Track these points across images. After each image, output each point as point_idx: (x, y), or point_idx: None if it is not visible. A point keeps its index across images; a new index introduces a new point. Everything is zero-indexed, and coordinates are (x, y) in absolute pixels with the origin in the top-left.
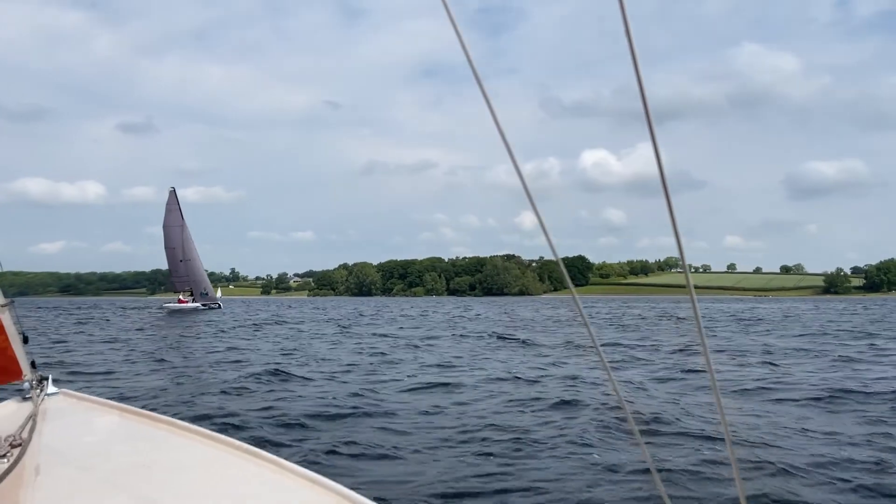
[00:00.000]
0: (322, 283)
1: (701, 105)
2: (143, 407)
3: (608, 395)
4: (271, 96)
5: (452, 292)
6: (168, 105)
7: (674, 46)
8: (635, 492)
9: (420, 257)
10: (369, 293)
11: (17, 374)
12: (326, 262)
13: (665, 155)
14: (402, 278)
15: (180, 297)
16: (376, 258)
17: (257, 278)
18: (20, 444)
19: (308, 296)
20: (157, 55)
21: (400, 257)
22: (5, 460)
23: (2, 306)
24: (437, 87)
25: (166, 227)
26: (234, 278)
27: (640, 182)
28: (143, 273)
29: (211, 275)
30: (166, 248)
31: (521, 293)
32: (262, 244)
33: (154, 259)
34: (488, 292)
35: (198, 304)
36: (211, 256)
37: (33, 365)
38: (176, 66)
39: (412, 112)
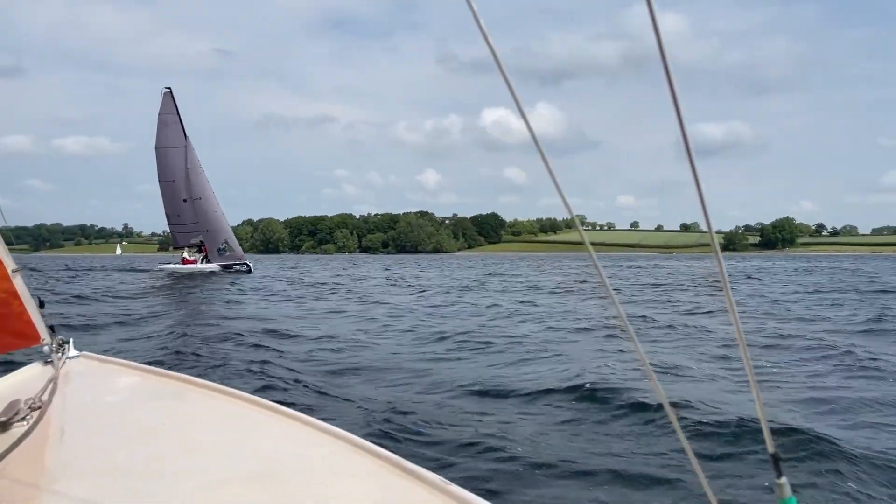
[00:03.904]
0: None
1: (596, 64)
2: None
3: None
4: (164, 42)
5: (364, 250)
6: (45, 48)
7: (572, 4)
8: None
9: (323, 214)
10: (276, 250)
11: (36, 338)
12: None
13: (562, 114)
14: (311, 235)
15: (185, 255)
16: (278, 214)
17: (153, 234)
18: (40, 407)
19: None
20: None
21: (302, 213)
22: (25, 423)
23: (13, 272)
24: (341, 40)
25: (160, 150)
26: (127, 234)
27: (541, 142)
28: (24, 228)
29: (100, 231)
30: (161, 181)
31: (436, 250)
32: (155, 198)
33: (37, 213)
34: (402, 250)
35: (214, 266)
36: (98, 211)
37: (52, 329)
38: (58, 7)
39: (312, 64)
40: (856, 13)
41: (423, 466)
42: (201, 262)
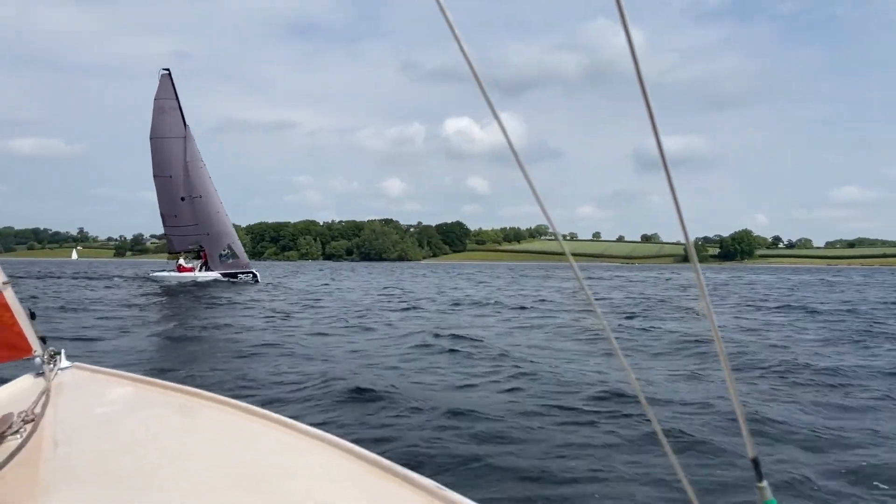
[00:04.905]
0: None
1: (557, 75)
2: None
3: None
4: (122, 43)
5: (328, 257)
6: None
7: (532, 16)
8: None
9: (285, 220)
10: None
11: (27, 350)
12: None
13: (523, 125)
14: (274, 242)
15: (181, 261)
16: (238, 220)
17: (109, 239)
18: (32, 420)
19: (168, 258)
20: None
21: (263, 219)
22: (18, 437)
23: (3, 283)
24: (304, 46)
25: (156, 141)
26: (82, 239)
27: (502, 152)
28: None
29: (55, 235)
30: (156, 176)
31: (401, 258)
32: (111, 202)
33: None
34: (366, 257)
35: (215, 274)
36: (52, 215)
37: (43, 340)
38: (13, 6)
39: (274, 69)
40: (807, 33)
41: (415, 471)
42: (200, 270)
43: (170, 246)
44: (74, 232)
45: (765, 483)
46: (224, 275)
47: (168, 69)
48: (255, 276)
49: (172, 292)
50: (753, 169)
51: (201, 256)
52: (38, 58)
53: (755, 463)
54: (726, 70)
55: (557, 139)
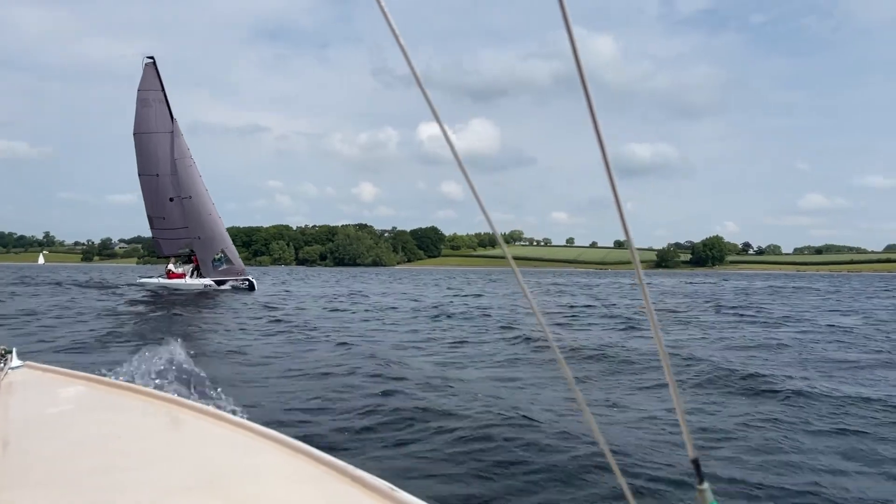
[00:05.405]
0: (153, 250)
1: (530, 82)
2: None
3: None
4: (89, 44)
5: (302, 262)
6: None
7: (506, 24)
8: None
9: (256, 225)
10: None
11: None
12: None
13: (496, 131)
14: (245, 246)
15: (170, 266)
16: None
17: (76, 243)
18: None
19: (137, 263)
20: None
21: (234, 224)
22: None
23: None
24: (275, 50)
25: (140, 137)
26: (48, 243)
27: (474, 158)
28: None
29: (20, 239)
30: (141, 175)
31: (375, 264)
32: (77, 206)
33: None
34: (340, 262)
35: (207, 282)
36: (16, 219)
37: None
38: None
39: (244, 73)
40: (775, 44)
41: (369, 472)
42: (191, 277)
43: (158, 250)
44: (40, 236)
45: (706, 485)
46: (217, 282)
47: (153, 57)
48: (250, 283)
49: (155, 300)
50: (723, 176)
51: (192, 261)
52: (1, 58)
53: (696, 464)
54: (697, 79)
55: (531, 146)
